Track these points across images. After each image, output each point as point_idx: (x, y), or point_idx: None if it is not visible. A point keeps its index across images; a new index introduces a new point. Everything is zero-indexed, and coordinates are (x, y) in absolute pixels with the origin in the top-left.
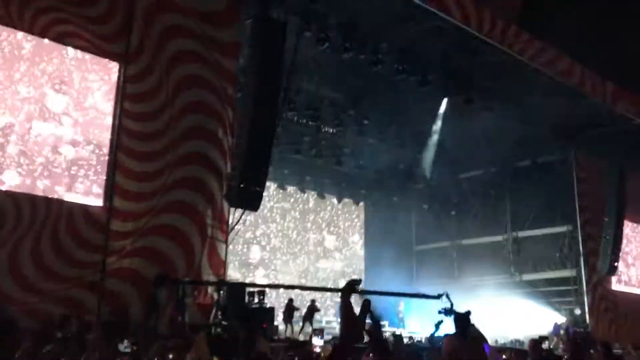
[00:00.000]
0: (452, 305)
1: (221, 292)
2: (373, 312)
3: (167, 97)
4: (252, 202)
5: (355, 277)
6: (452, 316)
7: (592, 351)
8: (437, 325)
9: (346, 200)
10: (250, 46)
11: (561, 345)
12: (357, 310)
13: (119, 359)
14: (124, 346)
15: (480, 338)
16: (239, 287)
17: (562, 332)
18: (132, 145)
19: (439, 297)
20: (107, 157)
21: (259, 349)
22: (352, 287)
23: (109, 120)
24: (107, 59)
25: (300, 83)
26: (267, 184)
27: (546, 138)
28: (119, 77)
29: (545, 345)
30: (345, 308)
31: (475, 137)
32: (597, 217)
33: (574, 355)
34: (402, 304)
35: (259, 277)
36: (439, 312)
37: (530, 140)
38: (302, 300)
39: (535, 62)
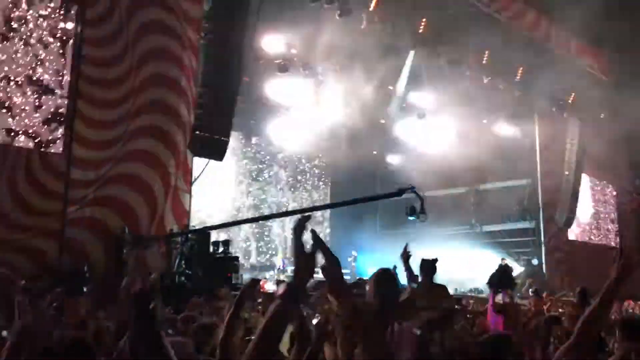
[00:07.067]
0: (422, 201)
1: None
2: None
3: (128, 42)
4: (216, 152)
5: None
6: (424, 218)
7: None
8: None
9: None
10: None
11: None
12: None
13: None
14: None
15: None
16: (204, 237)
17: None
18: (91, 92)
19: (400, 193)
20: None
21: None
22: (302, 221)
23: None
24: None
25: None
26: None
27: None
28: (76, 21)
29: None
30: (296, 246)
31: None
32: (557, 171)
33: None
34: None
35: None
36: (406, 214)
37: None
38: None
39: (503, 15)
